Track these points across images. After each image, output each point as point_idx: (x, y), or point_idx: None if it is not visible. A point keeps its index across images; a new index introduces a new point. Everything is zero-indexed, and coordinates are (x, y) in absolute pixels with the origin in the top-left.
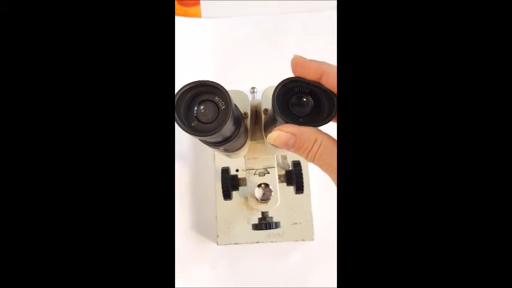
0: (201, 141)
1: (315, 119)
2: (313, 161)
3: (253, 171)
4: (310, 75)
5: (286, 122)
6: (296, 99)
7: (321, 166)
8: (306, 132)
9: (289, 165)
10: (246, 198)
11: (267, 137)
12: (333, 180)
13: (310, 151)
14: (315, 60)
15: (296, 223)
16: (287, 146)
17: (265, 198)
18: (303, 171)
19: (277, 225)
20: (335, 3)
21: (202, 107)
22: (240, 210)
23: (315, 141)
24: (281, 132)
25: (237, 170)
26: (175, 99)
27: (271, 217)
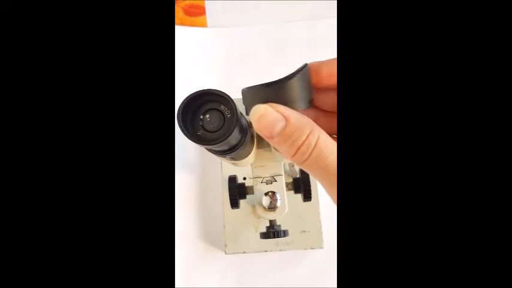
0: (208, 150)
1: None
2: (304, 161)
3: (261, 179)
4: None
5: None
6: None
7: (315, 169)
8: (301, 118)
9: (296, 172)
10: (254, 206)
11: (249, 114)
12: (327, 189)
13: (302, 145)
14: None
15: (305, 231)
16: (271, 131)
17: (272, 207)
18: (311, 178)
19: (285, 233)
20: None
21: (208, 115)
22: (248, 219)
23: (310, 133)
24: (269, 109)
25: (244, 178)
26: (181, 109)
27: (279, 225)
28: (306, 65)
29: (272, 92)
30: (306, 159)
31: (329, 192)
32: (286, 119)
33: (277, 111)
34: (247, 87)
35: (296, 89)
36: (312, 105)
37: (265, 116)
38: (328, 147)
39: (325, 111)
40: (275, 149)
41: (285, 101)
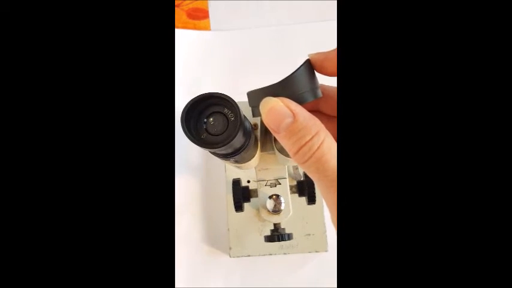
0: (211, 153)
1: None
2: (304, 161)
3: (265, 182)
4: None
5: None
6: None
7: (313, 171)
8: (310, 119)
9: (300, 175)
10: (258, 209)
11: (260, 105)
12: (323, 193)
13: (305, 145)
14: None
15: (309, 234)
16: (278, 124)
17: (276, 210)
18: None
19: (289, 236)
20: None
21: (211, 119)
22: (252, 222)
23: (316, 134)
24: (280, 103)
25: (248, 181)
26: (185, 112)
27: (284, 228)
28: (308, 60)
29: (278, 88)
30: (307, 160)
31: (324, 196)
32: (294, 115)
33: (287, 106)
34: (253, 90)
35: (300, 82)
36: (320, 96)
37: (274, 109)
38: (332, 151)
39: (328, 116)
40: (279, 151)
41: (291, 95)
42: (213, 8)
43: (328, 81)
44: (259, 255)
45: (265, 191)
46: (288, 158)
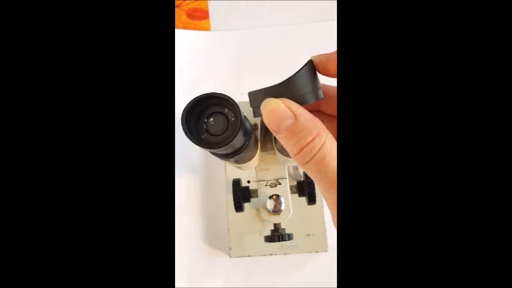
0: (212, 153)
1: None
2: (305, 162)
3: (265, 183)
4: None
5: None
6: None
7: (314, 172)
8: (311, 120)
9: (301, 175)
10: (258, 209)
11: (260, 106)
12: (324, 194)
13: (306, 146)
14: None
15: (309, 234)
16: (279, 125)
17: (277, 210)
18: None
19: (289, 236)
20: None
21: (212, 119)
22: (252, 222)
23: (318, 136)
24: (281, 105)
25: (249, 182)
26: (185, 112)
27: (284, 229)
28: (310, 60)
29: (279, 89)
30: (308, 162)
31: (325, 196)
32: (295, 117)
33: (288, 107)
34: (254, 90)
35: (302, 83)
36: (321, 97)
37: (275, 110)
38: (333, 153)
39: (329, 116)
40: (279, 152)
41: (292, 96)
42: (213, 8)
43: (329, 82)
44: (259, 256)
45: (265, 191)
46: (288, 158)
